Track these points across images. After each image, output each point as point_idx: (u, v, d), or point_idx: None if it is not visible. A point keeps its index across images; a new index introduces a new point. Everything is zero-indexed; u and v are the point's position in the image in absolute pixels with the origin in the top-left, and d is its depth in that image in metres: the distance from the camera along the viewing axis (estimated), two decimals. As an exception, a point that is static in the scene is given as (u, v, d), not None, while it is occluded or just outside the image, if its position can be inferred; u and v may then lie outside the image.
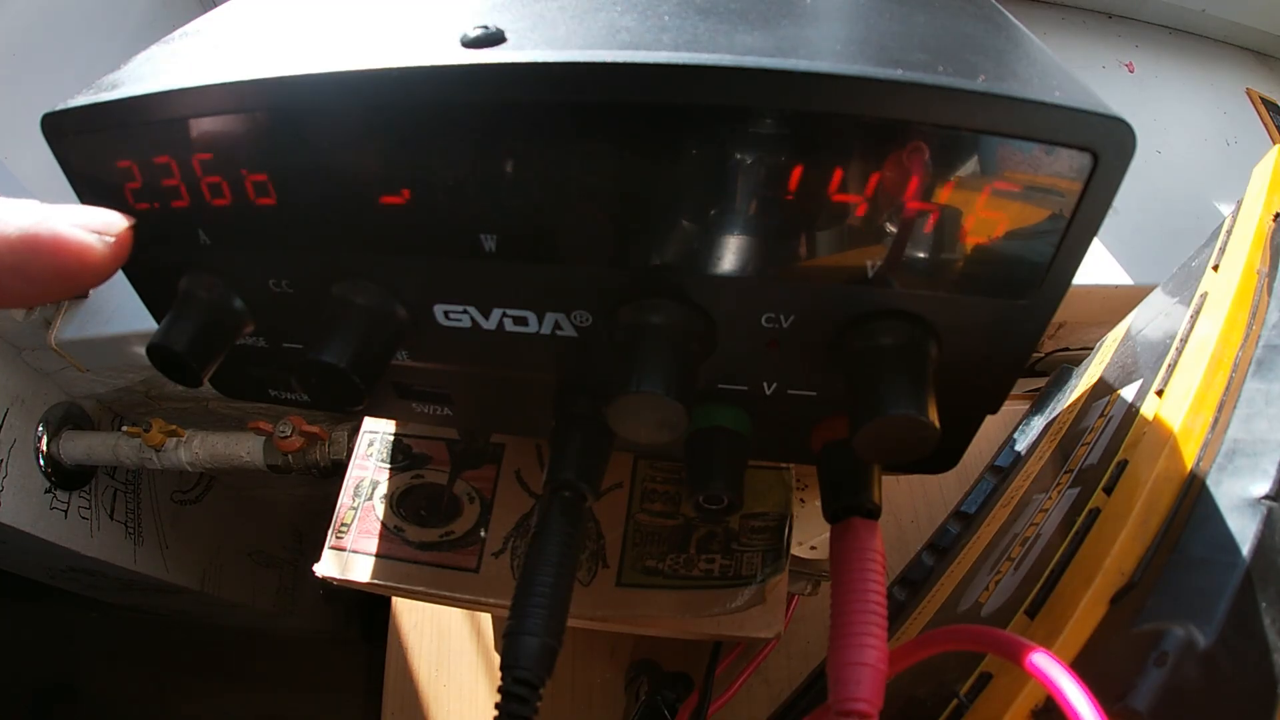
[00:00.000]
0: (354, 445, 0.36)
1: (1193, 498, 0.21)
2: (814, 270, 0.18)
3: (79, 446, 0.72)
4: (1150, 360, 0.29)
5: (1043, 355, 0.63)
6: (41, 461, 0.71)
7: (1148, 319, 0.34)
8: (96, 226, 0.19)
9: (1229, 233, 0.30)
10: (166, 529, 0.89)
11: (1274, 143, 0.60)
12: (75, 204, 0.19)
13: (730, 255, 0.18)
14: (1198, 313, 0.27)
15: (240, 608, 1.07)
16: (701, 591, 0.30)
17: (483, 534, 0.33)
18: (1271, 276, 0.26)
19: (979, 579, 0.30)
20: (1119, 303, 0.56)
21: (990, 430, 0.34)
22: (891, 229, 0.17)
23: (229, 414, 0.84)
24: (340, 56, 0.17)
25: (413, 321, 0.22)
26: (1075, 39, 0.75)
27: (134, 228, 0.20)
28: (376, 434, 0.36)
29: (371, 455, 0.35)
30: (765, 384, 0.22)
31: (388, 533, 0.33)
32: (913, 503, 0.50)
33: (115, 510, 0.81)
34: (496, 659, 0.45)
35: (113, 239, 0.19)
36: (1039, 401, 0.44)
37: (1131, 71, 0.73)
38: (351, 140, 0.18)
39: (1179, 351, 0.26)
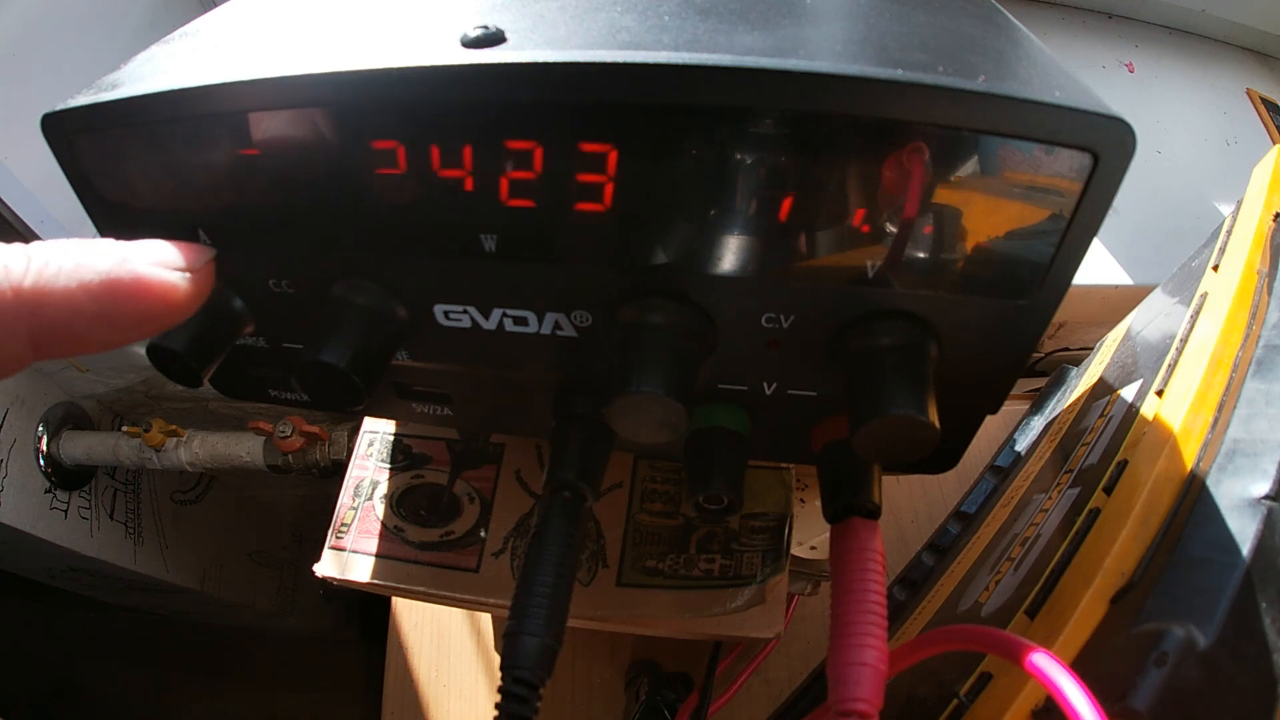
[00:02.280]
0: (354, 445, 0.36)
1: (1193, 498, 0.21)
2: (814, 270, 0.18)
3: (79, 446, 0.72)
4: (1150, 360, 0.29)
5: (1043, 355, 0.63)
6: (41, 461, 0.71)
7: (1148, 319, 0.34)
8: (178, 264, 0.18)
9: (1229, 233, 0.30)
10: (166, 529, 0.89)
11: (1274, 143, 0.60)
12: (153, 240, 0.18)
13: (730, 255, 0.18)
14: (1198, 313, 0.27)
15: (240, 608, 1.07)
16: (701, 591, 0.30)
17: (483, 534, 0.33)
18: (1271, 276, 0.26)
19: (979, 579, 0.30)
20: (1119, 303, 0.56)
21: (990, 430, 0.34)
22: (891, 229, 0.17)
23: (229, 414, 0.84)
24: (341, 56, 0.17)
25: (413, 321, 0.22)
26: (1075, 39, 0.75)
27: (214, 260, 0.19)
28: (376, 434, 0.36)
29: (371, 455, 0.35)
30: (765, 384, 0.22)
31: (388, 533, 0.33)
32: (913, 503, 0.50)
33: (115, 510, 0.81)
34: (496, 659, 0.45)
35: (196, 274, 0.18)
36: (1039, 401, 0.44)
37: (1131, 71, 0.73)
38: (352, 140, 0.18)
39: (1179, 351, 0.26)
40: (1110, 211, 0.17)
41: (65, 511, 0.74)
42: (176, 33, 0.22)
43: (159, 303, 0.17)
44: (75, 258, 0.16)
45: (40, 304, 0.15)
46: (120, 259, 0.17)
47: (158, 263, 0.17)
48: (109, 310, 0.16)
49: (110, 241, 0.17)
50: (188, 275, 0.18)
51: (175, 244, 0.18)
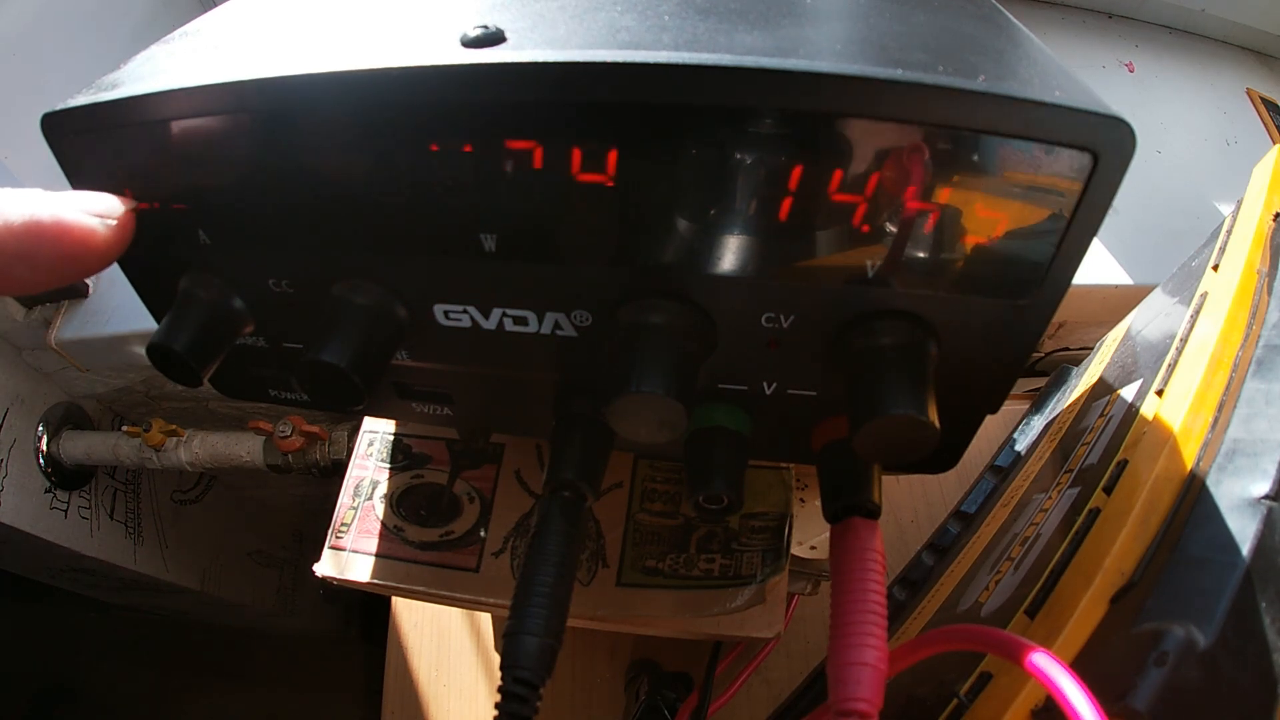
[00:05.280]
0: (354, 445, 0.36)
1: (1193, 498, 0.21)
2: (814, 270, 0.18)
3: (79, 446, 0.72)
4: (1150, 360, 0.29)
5: (1043, 355, 0.63)
6: (41, 461, 0.71)
7: (1148, 319, 0.34)
8: (98, 210, 0.19)
9: (1229, 233, 0.30)
10: (166, 529, 0.89)
11: (1274, 143, 0.60)
12: (76, 191, 0.19)
13: (730, 255, 0.18)
14: (1198, 313, 0.27)
15: (240, 608, 1.07)
16: (701, 591, 0.30)
17: (483, 534, 0.33)
18: (1271, 276, 0.26)
19: (979, 579, 0.30)
20: (1119, 303, 0.56)
21: (990, 430, 0.34)
22: (891, 229, 0.17)
23: (229, 414, 0.84)
24: (340, 56, 0.17)
25: (413, 321, 0.22)
26: (1075, 39, 0.75)
27: (135, 211, 0.20)
28: (376, 434, 0.36)
29: (371, 455, 0.35)
30: (765, 384, 0.22)
31: (387, 532, 0.33)
32: (913, 503, 0.50)
33: (115, 510, 0.81)
34: (496, 659, 0.45)
35: (115, 222, 0.19)
36: (1039, 401, 0.44)
37: (1131, 71, 0.73)
38: (351, 140, 0.18)
39: (1179, 351, 0.26)
40: (1110, 211, 0.17)
41: (65, 511, 0.74)
42: (176, 32, 0.22)
43: (77, 245, 0.18)
44: (2, 202, 0.17)
45: None
46: (44, 204, 0.18)
47: (80, 209, 0.18)
48: (29, 249, 0.17)
49: (37, 190, 0.18)
50: (107, 222, 0.19)
51: (97, 194, 0.19)
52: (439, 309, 0.21)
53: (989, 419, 0.22)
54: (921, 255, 0.18)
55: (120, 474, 0.83)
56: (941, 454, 0.24)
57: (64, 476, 0.73)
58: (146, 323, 0.23)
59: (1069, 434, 0.34)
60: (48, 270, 0.18)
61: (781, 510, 0.32)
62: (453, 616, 0.50)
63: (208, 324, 0.21)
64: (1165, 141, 0.67)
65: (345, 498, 0.34)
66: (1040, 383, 0.46)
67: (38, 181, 0.18)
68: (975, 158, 0.16)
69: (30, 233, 0.17)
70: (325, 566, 0.32)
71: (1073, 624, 0.20)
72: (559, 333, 0.21)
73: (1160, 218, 0.60)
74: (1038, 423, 0.42)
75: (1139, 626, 0.18)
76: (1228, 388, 0.23)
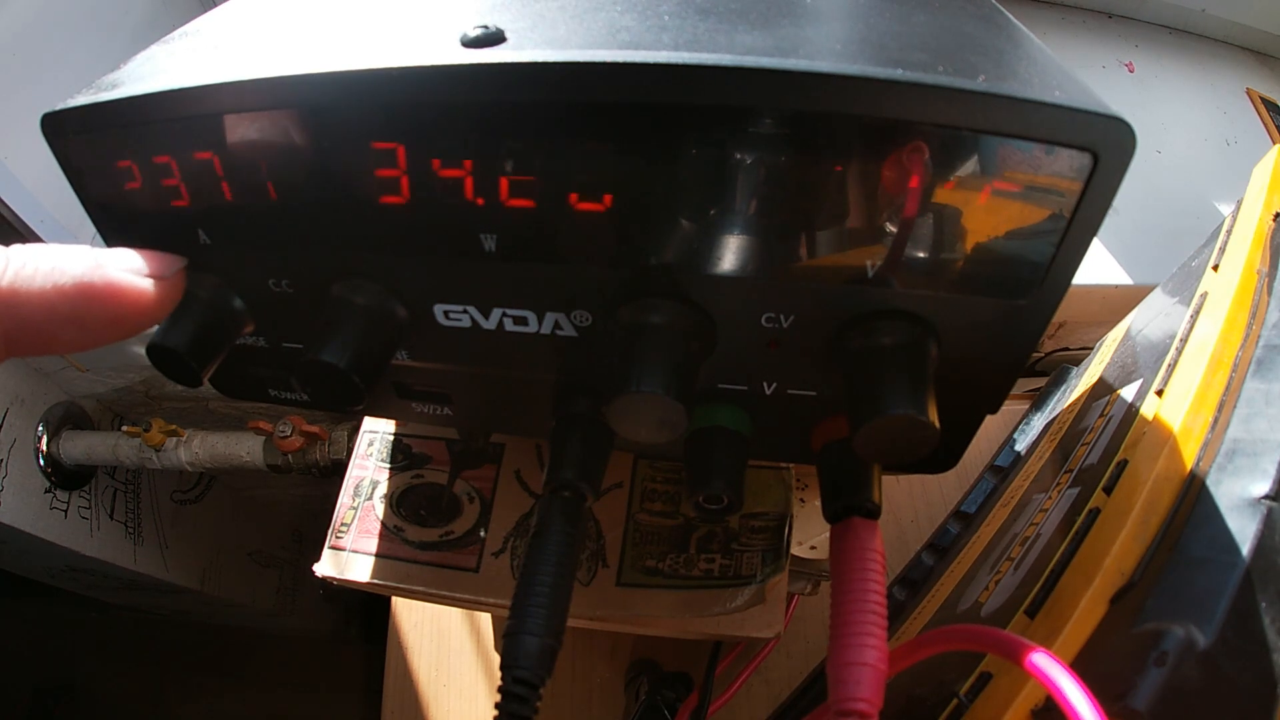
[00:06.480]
0: (354, 445, 0.36)
1: (1193, 498, 0.21)
2: (814, 270, 0.18)
3: (79, 446, 0.72)
4: (1150, 360, 0.29)
5: (1043, 355, 0.63)
6: (41, 461, 0.71)
7: (1148, 319, 0.34)
8: (149, 270, 0.19)
9: (1229, 233, 0.30)
10: (166, 529, 0.89)
11: (1274, 143, 0.60)
12: (128, 249, 0.19)
13: (730, 255, 0.18)
14: (1198, 313, 0.27)
15: (240, 608, 1.07)
16: (701, 591, 0.30)
17: (482, 534, 0.33)
18: (1271, 276, 0.26)
19: (979, 579, 0.30)
20: (1119, 303, 0.56)
21: (990, 430, 0.34)
22: (891, 229, 0.17)
23: (229, 414, 0.84)
24: (340, 56, 0.17)
25: (413, 321, 0.22)
26: (1075, 39, 0.75)
27: (186, 268, 0.20)
28: (376, 434, 0.36)
29: (371, 455, 0.35)
30: (765, 384, 0.22)
31: (387, 532, 0.33)
32: (913, 503, 0.50)
33: (115, 510, 0.81)
34: (496, 659, 0.45)
35: (166, 281, 0.19)
36: (1039, 401, 0.44)
37: (1131, 71, 0.73)
38: (351, 140, 0.18)
39: (1179, 351, 0.26)
40: (1110, 211, 0.17)
41: (65, 511, 0.74)
42: (176, 33, 0.22)
43: (129, 306, 0.18)
44: (52, 261, 0.17)
45: (16, 303, 0.17)
46: (94, 264, 0.18)
47: (129, 269, 0.18)
48: (80, 312, 0.17)
49: (86, 248, 0.18)
50: (158, 282, 0.19)
51: (148, 252, 0.19)
52: (439, 309, 0.21)
53: (989, 419, 0.22)
54: (921, 255, 0.18)
55: (120, 474, 0.83)
56: (941, 454, 0.24)
57: (64, 476, 0.73)
58: (146, 323, 0.23)
59: (1069, 434, 0.34)
60: (98, 332, 0.18)
61: (781, 510, 0.32)
62: (453, 616, 0.50)
63: (208, 324, 0.21)
64: (1165, 141, 0.67)
65: (345, 498, 0.34)
66: (1040, 383, 0.46)
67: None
68: (975, 157, 0.16)
69: (82, 295, 0.17)
70: (325, 566, 0.32)
71: (1073, 624, 0.20)
72: (559, 333, 0.21)
73: (1160, 218, 0.60)
74: (1038, 423, 0.42)
75: (1139, 626, 0.18)
76: (1228, 388, 0.23)
